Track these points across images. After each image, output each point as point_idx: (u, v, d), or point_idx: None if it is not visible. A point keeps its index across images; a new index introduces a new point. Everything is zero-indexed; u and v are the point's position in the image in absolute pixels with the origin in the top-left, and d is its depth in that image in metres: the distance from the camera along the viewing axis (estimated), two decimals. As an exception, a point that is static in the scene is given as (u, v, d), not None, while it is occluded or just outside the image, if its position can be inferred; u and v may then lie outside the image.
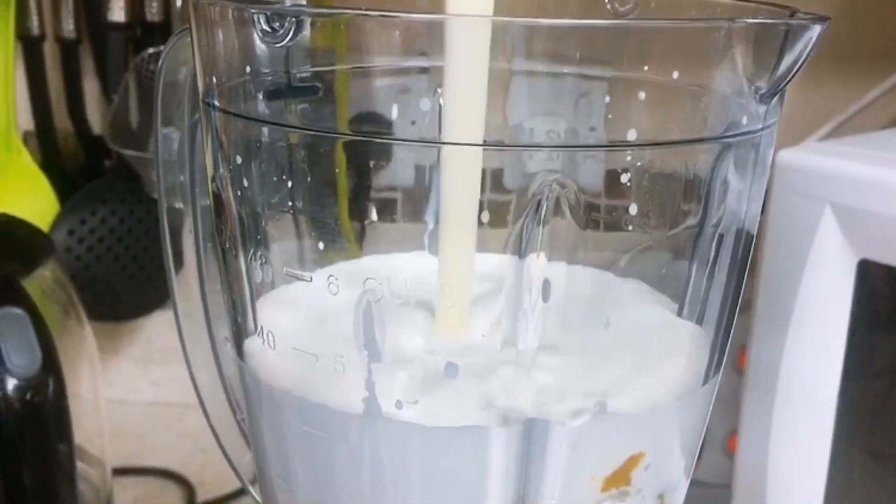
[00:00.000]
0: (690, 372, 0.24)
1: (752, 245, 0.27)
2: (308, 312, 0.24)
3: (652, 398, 0.23)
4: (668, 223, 0.25)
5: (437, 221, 0.26)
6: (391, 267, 0.23)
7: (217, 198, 0.25)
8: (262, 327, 0.23)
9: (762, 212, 0.48)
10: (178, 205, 0.34)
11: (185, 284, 0.34)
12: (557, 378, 0.21)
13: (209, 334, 0.31)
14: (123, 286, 0.59)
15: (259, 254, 0.23)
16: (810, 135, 0.53)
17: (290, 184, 0.25)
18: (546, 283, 0.21)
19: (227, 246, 0.24)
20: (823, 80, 0.56)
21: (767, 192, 0.47)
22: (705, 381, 0.24)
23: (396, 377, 0.21)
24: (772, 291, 0.48)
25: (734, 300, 0.26)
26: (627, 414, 0.22)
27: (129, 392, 0.67)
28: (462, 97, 0.22)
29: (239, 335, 0.25)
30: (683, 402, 0.24)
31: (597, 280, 0.26)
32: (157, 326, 0.66)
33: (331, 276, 0.22)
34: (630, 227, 0.25)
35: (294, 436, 0.22)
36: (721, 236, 0.25)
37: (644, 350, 0.24)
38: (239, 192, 0.24)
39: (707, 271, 0.25)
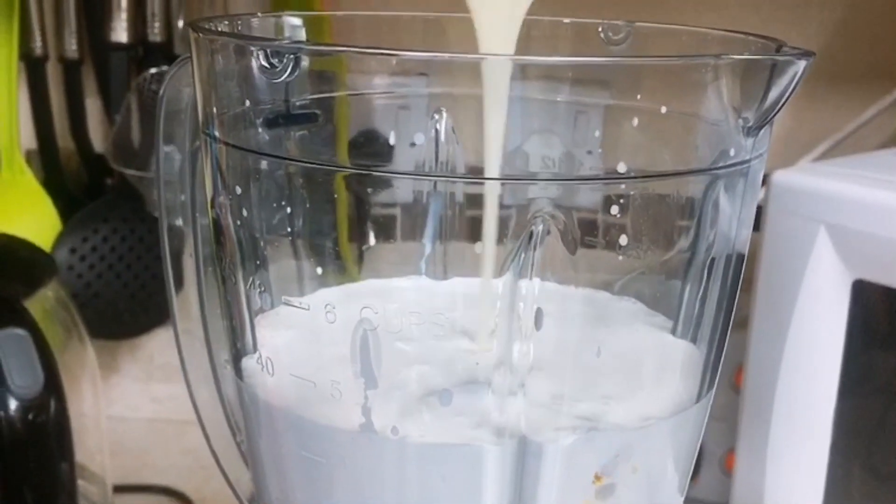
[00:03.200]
0: (684, 390, 0.25)
1: (743, 266, 0.27)
2: (306, 337, 0.24)
3: (645, 416, 0.23)
4: (661, 248, 0.26)
5: (433, 246, 0.27)
6: (387, 294, 0.23)
7: (216, 224, 0.25)
8: (260, 353, 0.24)
9: (757, 230, 0.48)
10: (179, 223, 0.34)
11: (186, 304, 0.34)
12: (550, 398, 0.21)
13: (209, 356, 0.32)
14: (125, 304, 0.60)
15: (258, 281, 0.24)
16: (805, 155, 0.54)
17: (289, 210, 0.25)
18: (539, 312, 0.22)
19: (227, 272, 0.24)
20: (819, 100, 0.57)
21: (763, 212, 0.47)
22: (698, 399, 0.25)
23: (392, 403, 0.22)
24: (768, 311, 0.48)
25: (726, 319, 0.26)
26: (620, 432, 0.22)
27: (131, 409, 0.68)
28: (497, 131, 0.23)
29: (238, 357, 0.25)
30: (676, 419, 0.24)
31: (592, 300, 0.27)
32: (158, 344, 0.66)
33: (327, 304, 0.22)
34: (623, 253, 0.25)
35: (292, 458, 0.23)
36: (713, 260, 0.25)
37: (637, 370, 0.25)
38: (238, 221, 0.24)
39: (700, 292, 0.26)
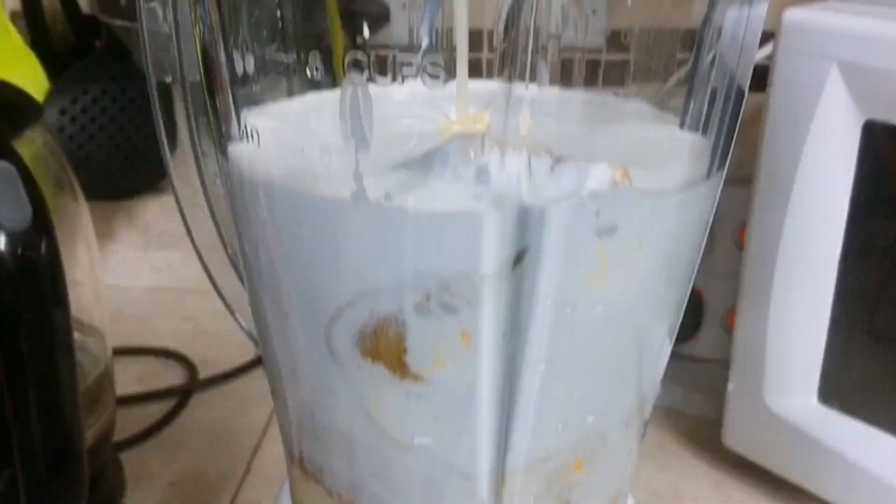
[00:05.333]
0: (692, 169, 0.23)
1: (753, 62, 0.26)
2: (293, 115, 0.23)
3: (652, 188, 0.22)
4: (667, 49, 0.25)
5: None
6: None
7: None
8: (245, 125, 0.23)
9: (763, 91, 0.46)
10: (168, 80, 0.33)
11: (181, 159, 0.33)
12: (552, 166, 0.20)
13: (199, 173, 0.31)
14: (118, 165, 0.59)
15: (241, 39, 0.22)
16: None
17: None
18: (539, 66, 0.20)
19: (207, 40, 0.23)
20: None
21: (773, 54, 0.45)
22: (708, 176, 0.24)
23: (385, 168, 0.21)
24: (774, 161, 0.47)
25: (734, 114, 0.25)
26: (625, 199, 0.21)
27: (130, 278, 0.67)
28: None
29: (224, 143, 0.24)
30: (685, 194, 0.23)
31: (594, 101, 0.26)
32: (154, 212, 0.65)
33: (312, 53, 0.21)
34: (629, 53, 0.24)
35: (283, 238, 0.22)
36: (716, 57, 0.24)
37: (644, 154, 0.23)
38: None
39: (707, 91, 0.24)
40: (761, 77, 0.51)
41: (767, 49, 0.54)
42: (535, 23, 0.21)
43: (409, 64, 0.20)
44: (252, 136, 0.22)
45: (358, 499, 0.24)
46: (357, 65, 0.20)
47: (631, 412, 0.25)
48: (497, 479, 0.24)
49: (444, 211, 0.20)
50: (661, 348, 0.25)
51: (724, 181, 0.54)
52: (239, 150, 0.23)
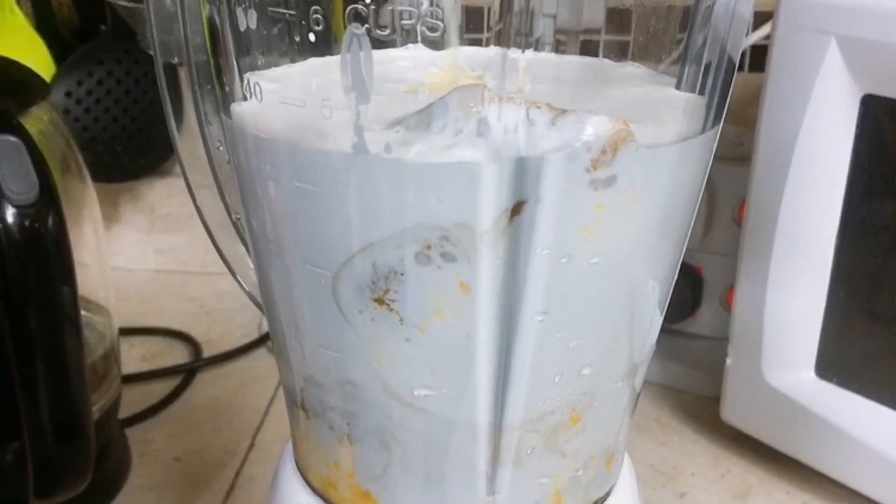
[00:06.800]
0: (688, 124, 0.24)
1: (742, 38, 0.26)
2: (295, 77, 0.23)
3: (648, 140, 0.22)
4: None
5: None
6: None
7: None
8: (248, 82, 0.23)
9: (762, 70, 0.46)
10: (174, 61, 0.33)
11: (187, 136, 0.34)
12: (550, 120, 0.21)
13: (205, 147, 0.31)
14: (122, 147, 0.59)
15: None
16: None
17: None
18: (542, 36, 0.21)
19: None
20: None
21: (772, 29, 0.46)
22: (703, 131, 0.24)
23: (385, 120, 0.21)
24: (772, 137, 0.47)
25: (727, 77, 0.25)
26: (623, 149, 0.21)
27: (135, 260, 0.68)
28: None
29: (227, 104, 0.24)
30: (681, 146, 0.23)
31: (590, 65, 0.26)
32: (159, 194, 0.66)
33: (315, 8, 0.21)
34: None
35: (285, 193, 0.22)
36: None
37: (640, 110, 0.24)
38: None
39: (700, 64, 0.25)
40: (760, 58, 0.51)
41: (766, 30, 0.55)
42: (529, 4, 0.22)
43: (409, 17, 0.20)
44: (255, 93, 0.23)
45: (356, 434, 0.25)
46: (357, 17, 0.20)
47: (623, 372, 0.26)
48: (495, 433, 0.24)
49: (442, 162, 0.20)
50: (653, 313, 0.26)
51: (723, 159, 0.54)
52: (242, 108, 0.24)
